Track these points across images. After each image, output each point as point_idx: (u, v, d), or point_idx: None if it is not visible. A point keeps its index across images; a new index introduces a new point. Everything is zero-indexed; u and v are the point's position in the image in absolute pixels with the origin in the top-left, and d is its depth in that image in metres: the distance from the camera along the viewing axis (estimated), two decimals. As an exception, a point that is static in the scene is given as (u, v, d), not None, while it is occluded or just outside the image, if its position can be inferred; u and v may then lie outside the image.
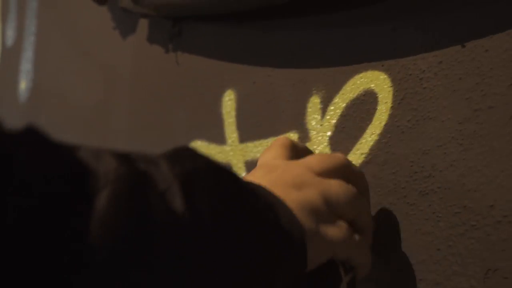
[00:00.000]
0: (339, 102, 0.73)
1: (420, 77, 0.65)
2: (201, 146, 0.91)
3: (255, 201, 0.48)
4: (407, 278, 0.63)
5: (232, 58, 0.88)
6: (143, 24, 1.07)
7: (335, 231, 0.52)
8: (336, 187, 0.54)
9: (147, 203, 0.39)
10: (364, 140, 0.70)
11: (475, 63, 0.61)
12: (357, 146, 0.70)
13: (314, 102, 0.76)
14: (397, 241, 0.64)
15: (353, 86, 0.72)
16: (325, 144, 0.74)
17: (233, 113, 0.87)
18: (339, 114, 0.73)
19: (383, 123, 0.68)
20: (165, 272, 0.39)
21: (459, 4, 0.63)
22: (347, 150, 0.72)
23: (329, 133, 0.74)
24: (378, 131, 0.69)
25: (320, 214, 0.52)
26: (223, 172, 0.47)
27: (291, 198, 0.51)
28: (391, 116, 0.68)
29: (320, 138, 0.74)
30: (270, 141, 0.81)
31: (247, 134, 0.84)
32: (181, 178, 0.42)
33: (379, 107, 0.69)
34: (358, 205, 0.56)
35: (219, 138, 0.88)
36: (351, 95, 0.72)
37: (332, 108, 0.74)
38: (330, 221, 0.53)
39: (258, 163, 0.60)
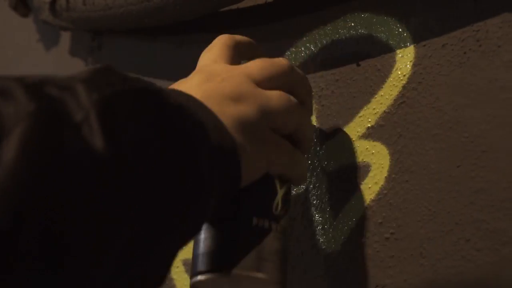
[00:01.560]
0: (245, 118, 0.73)
1: (319, 95, 0.66)
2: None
3: (182, 121, 0.44)
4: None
5: (148, 73, 0.88)
6: (66, 37, 1.06)
7: (271, 147, 0.51)
8: (276, 99, 0.51)
9: (61, 142, 0.35)
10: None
11: (368, 82, 0.62)
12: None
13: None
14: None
15: (257, 103, 0.72)
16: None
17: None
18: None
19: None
20: (88, 221, 0.35)
21: (354, 24, 0.64)
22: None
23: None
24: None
25: (257, 129, 0.50)
26: (145, 93, 0.42)
27: (227, 112, 0.48)
28: (292, 133, 0.68)
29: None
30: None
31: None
32: (99, 106, 0.37)
33: (281, 124, 0.69)
34: (298, 118, 0.54)
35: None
36: (255, 111, 0.72)
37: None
38: (267, 136, 0.51)
39: (198, 65, 0.56)
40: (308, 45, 0.68)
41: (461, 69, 0.56)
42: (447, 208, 0.55)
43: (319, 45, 0.67)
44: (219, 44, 0.56)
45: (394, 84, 0.60)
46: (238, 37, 0.57)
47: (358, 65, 0.63)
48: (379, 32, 0.62)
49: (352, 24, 0.65)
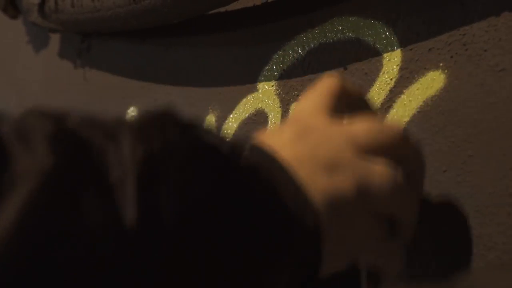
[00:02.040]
0: (233, 122, 0.73)
1: (306, 98, 0.66)
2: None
3: (249, 190, 0.35)
4: None
5: (136, 75, 0.88)
6: (55, 39, 1.06)
7: (364, 233, 0.41)
8: (380, 176, 0.41)
9: (79, 210, 0.28)
10: (254, 160, 0.70)
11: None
12: (248, 166, 0.70)
13: (210, 121, 0.76)
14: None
15: (245, 106, 0.72)
16: (219, 163, 0.74)
17: (136, 130, 0.86)
18: (232, 134, 0.73)
19: (272, 143, 0.68)
20: None
21: (341, 27, 0.64)
22: (239, 170, 0.71)
23: (223, 153, 0.73)
24: (267, 151, 0.69)
25: (350, 209, 0.40)
26: (206, 151, 0.34)
27: (317, 183, 0.39)
28: (279, 137, 0.68)
29: (214, 157, 0.74)
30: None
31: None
32: (141, 165, 0.30)
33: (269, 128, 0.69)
34: (403, 200, 0.43)
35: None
36: (243, 115, 0.72)
37: (225, 128, 0.74)
38: (362, 219, 0.41)
39: (294, 111, 0.47)
40: (296, 48, 0.68)
41: (448, 73, 0.55)
42: (433, 213, 0.54)
43: (307, 48, 0.67)
44: (324, 90, 0.46)
45: (381, 88, 0.60)
46: (348, 85, 0.48)
47: (346, 68, 0.63)
48: (367, 36, 0.62)
49: (340, 28, 0.64)
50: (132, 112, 0.87)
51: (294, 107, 0.48)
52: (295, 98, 0.67)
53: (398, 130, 0.45)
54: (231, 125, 0.73)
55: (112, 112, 0.89)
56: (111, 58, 0.92)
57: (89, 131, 0.32)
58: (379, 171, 0.41)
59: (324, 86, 0.47)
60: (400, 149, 0.44)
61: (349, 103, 0.47)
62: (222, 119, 0.74)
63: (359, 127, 0.43)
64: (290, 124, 0.44)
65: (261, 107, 0.70)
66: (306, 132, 0.42)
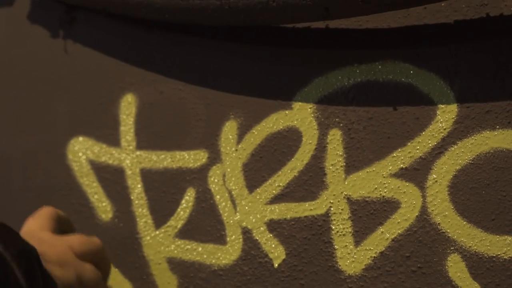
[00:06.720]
0: (259, 132, 0.77)
1: (348, 127, 0.72)
2: (83, 141, 0.89)
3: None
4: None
5: (136, 62, 0.88)
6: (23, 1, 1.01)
7: None
8: (89, 272, 0.70)
9: None
10: (283, 173, 0.75)
11: (405, 127, 0.69)
12: (275, 177, 0.75)
13: (231, 126, 0.79)
14: None
15: (276, 120, 0.76)
16: (239, 170, 0.77)
17: (132, 118, 0.86)
18: (257, 143, 0.77)
19: (305, 161, 0.74)
20: None
21: (393, 69, 0.70)
22: (262, 179, 0.76)
23: (243, 160, 0.77)
24: (299, 168, 0.74)
25: None
26: None
27: (55, 274, 0.64)
28: (314, 157, 0.73)
29: (234, 162, 0.78)
30: (174, 154, 0.82)
31: (147, 142, 0.85)
32: None
33: (302, 146, 0.74)
34: (100, 280, 0.73)
35: (111, 139, 0.87)
36: (273, 128, 0.76)
37: (249, 136, 0.77)
38: None
39: (23, 230, 0.71)
40: (340, 77, 0.73)
41: (504, 135, 0.64)
42: (479, 254, 0.63)
43: (352, 81, 0.73)
44: (44, 216, 0.74)
45: (433, 135, 0.67)
46: (60, 212, 0.76)
47: (395, 109, 0.70)
48: (421, 85, 0.69)
49: (390, 70, 0.71)
50: (129, 98, 0.87)
51: (23, 227, 0.73)
52: (336, 124, 0.73)
53: (99, 244, 0.75)
54: (256, 134, 0.77)
55: (101, 94, 0.89)
56: (105, 38, 0.91)
57: None
58: (89, 269, 0.71)
59: (44, 213, 0.75)
60: (99, 256, 0.75)
61: (61, 224, 0.76)
62: (245, 127, 0.78)
63: (74, 239, 0.73)
64: (30, 237, 0.65)
65: (295, 125, 0.75)
66: (39, 242, 0.64)
